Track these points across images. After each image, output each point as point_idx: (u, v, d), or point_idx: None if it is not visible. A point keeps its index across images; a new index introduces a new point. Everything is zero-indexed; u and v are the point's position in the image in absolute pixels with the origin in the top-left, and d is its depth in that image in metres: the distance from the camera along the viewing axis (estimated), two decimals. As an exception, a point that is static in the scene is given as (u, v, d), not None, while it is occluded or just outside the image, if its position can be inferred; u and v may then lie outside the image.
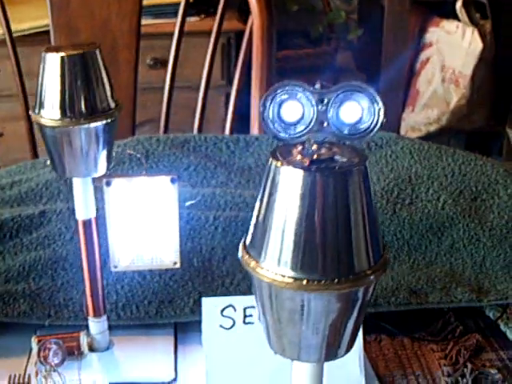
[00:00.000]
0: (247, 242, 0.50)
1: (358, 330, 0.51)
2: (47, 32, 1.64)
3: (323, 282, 0.46)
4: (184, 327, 0.92)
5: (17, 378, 0.79)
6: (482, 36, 2.66)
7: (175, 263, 0.83)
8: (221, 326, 0.80)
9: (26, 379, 0.79)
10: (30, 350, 0.85)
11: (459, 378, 0.84)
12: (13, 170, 1.25)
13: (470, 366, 0.86)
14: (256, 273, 0.48)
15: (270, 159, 0.47)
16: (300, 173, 0.46)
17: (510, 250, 1.02)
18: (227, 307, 0.80)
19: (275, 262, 0.47)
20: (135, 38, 1.64)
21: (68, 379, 0.79)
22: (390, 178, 1.14)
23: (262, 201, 0.48)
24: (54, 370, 0.78)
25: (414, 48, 2.84)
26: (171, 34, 1.63)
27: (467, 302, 0.94)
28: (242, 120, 1.65)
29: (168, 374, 0.84)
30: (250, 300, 0.80)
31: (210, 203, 1.05)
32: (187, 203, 1.01)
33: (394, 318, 0.93)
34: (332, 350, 0.50)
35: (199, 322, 0.82)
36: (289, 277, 0.47)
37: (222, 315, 0.80)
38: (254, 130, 1.59)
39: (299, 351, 0.50)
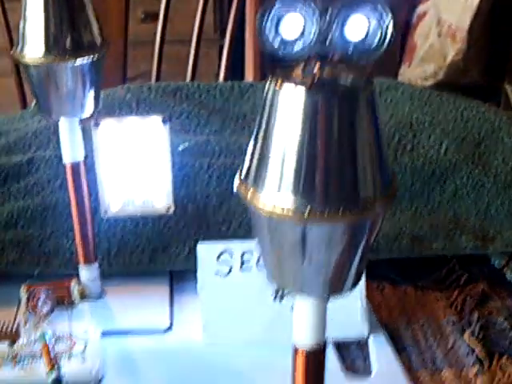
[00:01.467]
0: (243, 173, 0.46)
1: (363, 266, 0.48)
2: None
3: (326, 212, 0.43)
4: (180, 276, 0.88)
5: (5, 326, 0.75)
6: (479, -12, 2.62)
7: (168, 208, 0.80)
8: (217, 273, 0.77)
9: (15, 328, 0.75)
10: (19, 300, 0.82)
11: (465, 327, 0.81)
12: (0, 121, 1.20)
13: (476, 314, 0.83)
14: (253, 205, 0.44)
15: (269, 79, 0.43)
16: (301, 94, 0.42)
17: (515, 197, 0.99)
18: (223, 252, 0.77)
19: (274, 193, 0.43)
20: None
21: (58, 329, 0.75)
22: (391, 123, 1.10)
23: (259, 127, 0.44)
24: (44, 320, 0.75)
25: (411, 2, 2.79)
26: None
27: (472, 250, 0.91)
28: (234, 74, 1.61)
29: (163, 322, 0.81)
30: (247, 245, 0.77)
31: (205, 149, 1.01)
32: (180, 147, 0.97)
33: (397, 265, 0.90)
34: (337, 285, 0.47)
35: (195, 272, 0.79)
36: (289, 208, 0.43)
37: (218, 261, 0.77)
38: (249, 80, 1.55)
39: (302, 287, 0.46)
